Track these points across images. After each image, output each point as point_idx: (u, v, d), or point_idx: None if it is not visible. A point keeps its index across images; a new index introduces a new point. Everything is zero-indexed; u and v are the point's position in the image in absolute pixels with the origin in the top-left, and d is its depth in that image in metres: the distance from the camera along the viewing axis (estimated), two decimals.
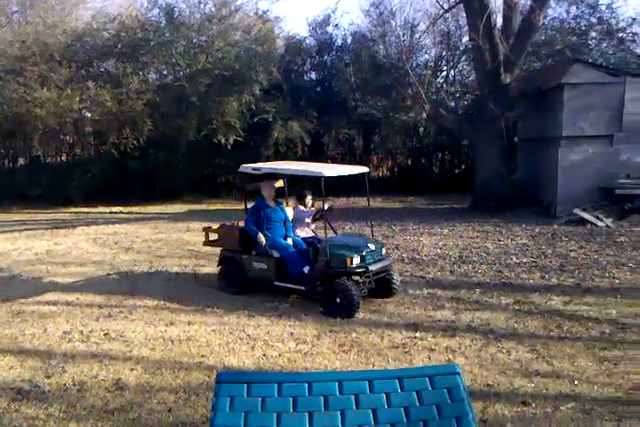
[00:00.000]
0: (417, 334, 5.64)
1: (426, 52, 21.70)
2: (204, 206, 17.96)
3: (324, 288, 6.47)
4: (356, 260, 6.33)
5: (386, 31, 20.60)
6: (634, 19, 20.40)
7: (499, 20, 14.63)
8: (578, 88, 12.74)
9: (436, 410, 2.54)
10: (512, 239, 10.63)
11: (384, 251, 6.93)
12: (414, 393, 2.62)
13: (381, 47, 20.58)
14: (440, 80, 21.83)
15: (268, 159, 19.72)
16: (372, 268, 6.44)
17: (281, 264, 6.83)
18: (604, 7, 19.91)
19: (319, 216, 7.31)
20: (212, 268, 8.80)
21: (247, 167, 7.26)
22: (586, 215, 12.03)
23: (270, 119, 18.47)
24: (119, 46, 17.22)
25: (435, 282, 7.71)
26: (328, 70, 21.73)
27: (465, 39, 19.31)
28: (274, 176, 7.44)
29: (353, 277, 6.44)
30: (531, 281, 7.68)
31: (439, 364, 4.71)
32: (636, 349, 5.14)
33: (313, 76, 22.62)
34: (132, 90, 16.64)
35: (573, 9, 20.39)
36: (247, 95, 17.71)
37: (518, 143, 17.05)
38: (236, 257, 7.24)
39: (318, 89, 21.98)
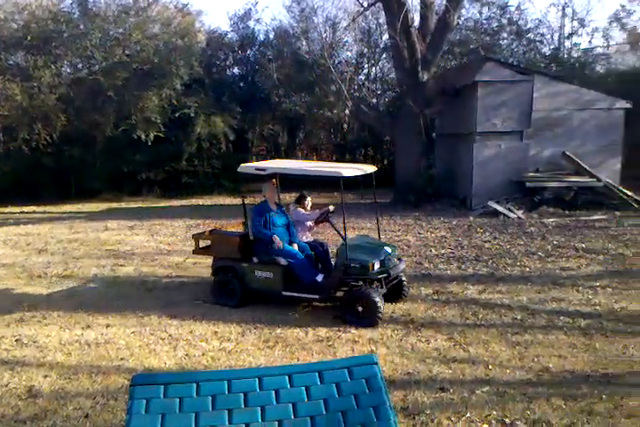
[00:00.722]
0: (341, 328, 5.73)
1: (347, 50, 22.03)
2: (123, 205, 17.40)
3: (344, 296, 6.07)
4: (377, 265, 5.92)
5: (308, 27, 20.71)
6: (540, 20, 21.79)
7: (416, 19, 15.04)
8: (491, 86, 13.30)
9: (354, 400, 2.58)
10: (431, 232, 10.99)
11: (397, 253, 6.56)
12: (334, 385, 2.65)
13: (304, 43, 20.67)
14: (362, 77, 22.18)
15: (190, 155, 19.35)
16: (392, 272, 6.07)
17: (288, 272, 6.26)
18: (513, 8, 21.04)
19: (323, 219, 6.77)
20: (131, 267, 8.58)
21: (249, 167, 6.52)
22: (499, 207, 12.62)
23: (192, 114, 18.09)
24: (29, 38, 16.30)
25: None
26: (251, 65, 21.57)
27: (385, 37, 19.70)
28: (272, 176, 6.77)
29: (368, 282, 5.99)
30: (448, 272, 7.97)
31: (360, 355, 4.80)
32: (544, 333, 5.45)
33: (236, 71, 22.38)
34: (44, 84, 15.86)
35: (485, 10, 21.40)
36: (168, 90, 17.27)
37: (436, 139, 17.59)
38: (235, 266, 6.50)
39: (241, 84, 21.76)
